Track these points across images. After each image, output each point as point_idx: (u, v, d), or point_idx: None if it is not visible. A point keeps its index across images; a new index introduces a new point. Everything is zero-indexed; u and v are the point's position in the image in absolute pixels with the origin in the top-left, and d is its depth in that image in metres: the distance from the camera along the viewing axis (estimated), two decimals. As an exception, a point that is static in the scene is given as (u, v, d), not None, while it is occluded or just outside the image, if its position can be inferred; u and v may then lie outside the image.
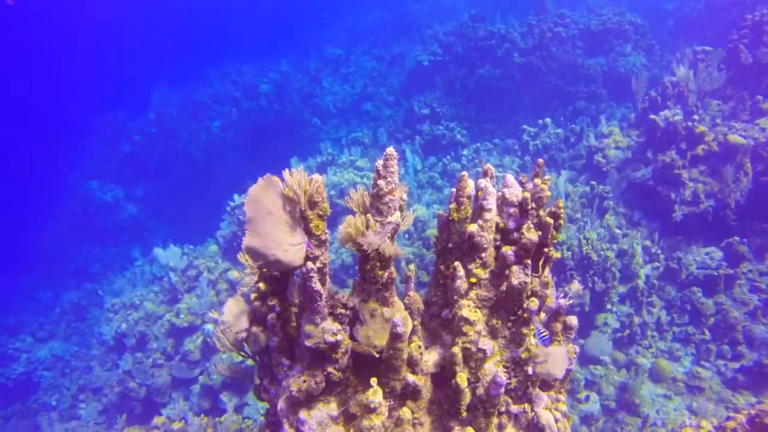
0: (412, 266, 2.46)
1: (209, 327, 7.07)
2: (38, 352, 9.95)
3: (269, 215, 1.79)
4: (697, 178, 6.64)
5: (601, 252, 6.14)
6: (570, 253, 6.19)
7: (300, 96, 15.24)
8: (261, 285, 2.07)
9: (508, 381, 2.10)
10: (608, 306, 6.29)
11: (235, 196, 8.80)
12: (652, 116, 7.12)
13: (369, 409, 1.90)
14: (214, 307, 7.23)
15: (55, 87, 24.58)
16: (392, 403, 2.03)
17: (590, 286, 6.10)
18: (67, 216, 15.19)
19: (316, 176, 1.85)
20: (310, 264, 1.87)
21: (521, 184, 2.14)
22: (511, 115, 11.27)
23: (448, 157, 10.48)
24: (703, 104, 7.21)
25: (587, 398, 5.62)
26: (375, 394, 1.89)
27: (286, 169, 1.82)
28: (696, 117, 6.86)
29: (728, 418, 3.59)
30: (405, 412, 1.94)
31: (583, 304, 6.07)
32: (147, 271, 9.95)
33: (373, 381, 1.92)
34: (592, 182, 7.39)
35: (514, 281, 2.00)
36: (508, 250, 2.05)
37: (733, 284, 6.32)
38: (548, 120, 9.85)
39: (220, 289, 7.57)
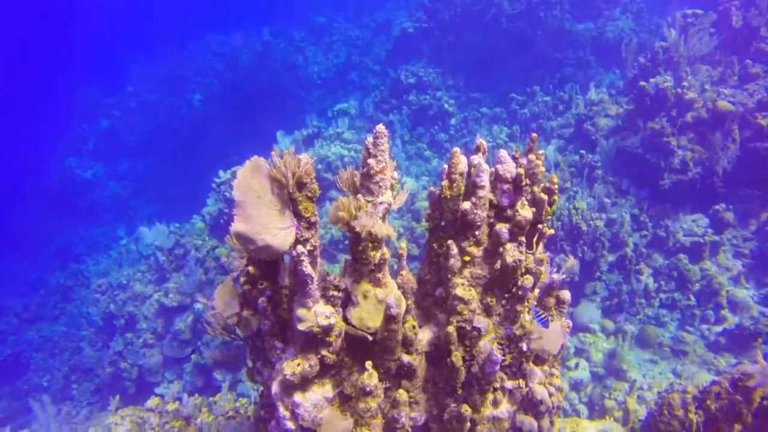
0: (404, 243, 2.41)
1: (199, 306, 7.03)
2: (25, 333, 9.86)
3: (258, 199, 1.72)
4: (686, 146, 6.63)
5: (591, 222, 6.16)
6: (560, 223, 6.21)
7: (283, 66, 14.82)
8: (251, 269, 2.01)
9: (503, 358, 2.09)
10: (597, 275, 6.36)
11: (221, 172, 8.61)
12: (642, 83, 7.05)
13: (365, 392, 1.88)
14: (203, 286, 7.17)
15: (28, 62, 23.65)
16: (388, 384, 2.01)
17: (580, 255, 6.15)
18: (47, 195, 14.82)
19: (304, 156, 1.77)
20: (300, 247, 1.81)
21: (515, 159, 2.08)
22: (499, 83, 11.10)
23: (436, 127, 10.35)
24: (692, 70, 7.15)
25: (576, 365, 5.74)
26: (370, 378, 1.87)
27: (275, 150, 1.73)
28: (686, 83, 6.80)
29: (713, 383, 3.66)
30: (401, 394, 1.92)
31: (572, 273, 6.12)
32: (133, 250, 9.80)
33: (368, 364, 1.89)
34: (582, 151, 7.36)
35: (509, 259, 1.97)
36: (502, 228, 2.01)
37: (717, 250, 6.42)
38: (537, 88, 9.73)
39: (208, 267, 7.48)
